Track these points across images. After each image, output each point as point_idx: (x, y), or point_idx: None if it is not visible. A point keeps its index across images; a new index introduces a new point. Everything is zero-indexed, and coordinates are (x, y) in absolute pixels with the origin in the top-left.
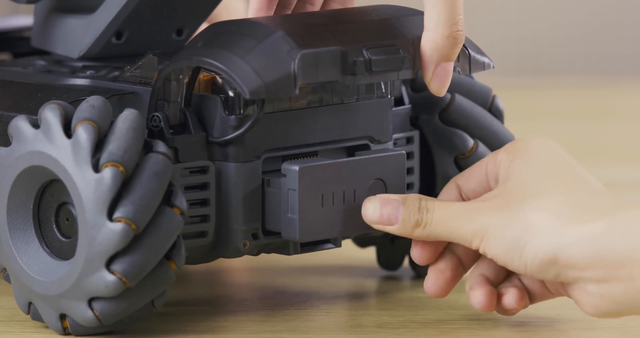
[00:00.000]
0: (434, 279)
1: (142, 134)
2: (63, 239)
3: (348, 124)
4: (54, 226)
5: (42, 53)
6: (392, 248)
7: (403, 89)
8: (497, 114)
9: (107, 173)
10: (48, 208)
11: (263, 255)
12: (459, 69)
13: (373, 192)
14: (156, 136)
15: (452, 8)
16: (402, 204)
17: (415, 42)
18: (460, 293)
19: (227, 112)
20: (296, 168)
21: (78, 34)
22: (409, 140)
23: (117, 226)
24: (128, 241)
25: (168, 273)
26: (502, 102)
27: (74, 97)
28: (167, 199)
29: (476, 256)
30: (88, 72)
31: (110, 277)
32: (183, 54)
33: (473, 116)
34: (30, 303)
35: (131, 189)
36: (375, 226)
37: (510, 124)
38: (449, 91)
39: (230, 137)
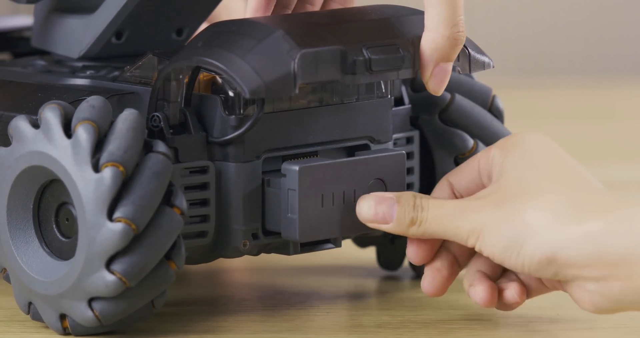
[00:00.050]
0: (430, 278)
1: (142, 134)
2: (63, 239)
3: (348, 124)
4: (54, 226)
5: (42, 53)
6: (392, 248)
7: (403, 89)
8: (497, 114)
9: (107, 173)
10: (48, 208)
11: (263, 255)
12: (459, 68)
13: (373, 192)
14: (156, 136)
15: (452, 9)
16: (397, 202)
17: (415, 42)
18: (460, 293)
19: (227, 112)
20: (296, 168)
21: (78, 34)
22: (409, 140)
23: (117, 226)
24: (128, 241)
25: (168, 273)
26: (502, 102)
27: (74, 97)
28: (167, 199)
29: (471, 253)
30: (88, 72)
31: (110, 277)
32: (183, 54)
33: (473, 116)
34: (30, 303)
35: (131, 189)
36: (370, 225)
37: (510, 124)
38: (449, 91)
39: (230, 137)
